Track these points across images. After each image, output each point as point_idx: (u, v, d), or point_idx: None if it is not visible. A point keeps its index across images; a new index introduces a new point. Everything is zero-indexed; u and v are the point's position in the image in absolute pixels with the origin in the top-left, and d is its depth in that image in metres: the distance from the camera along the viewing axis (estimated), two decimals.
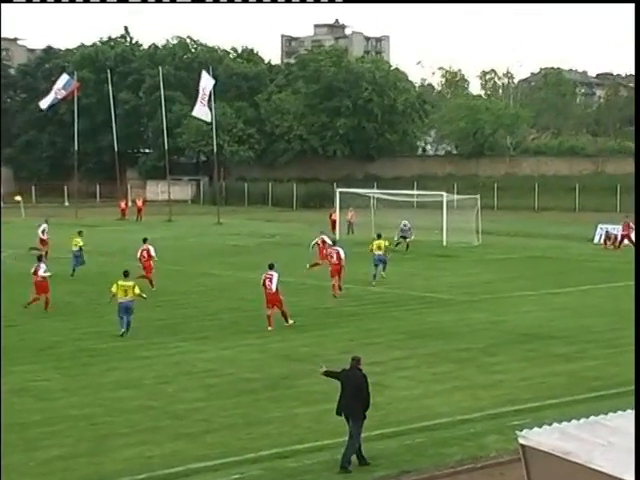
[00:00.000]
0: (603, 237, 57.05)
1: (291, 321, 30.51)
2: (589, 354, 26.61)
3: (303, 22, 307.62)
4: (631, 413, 12.45)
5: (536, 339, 28.66)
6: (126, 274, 29.74)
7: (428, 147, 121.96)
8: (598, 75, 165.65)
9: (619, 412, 12.55)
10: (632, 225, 57.27)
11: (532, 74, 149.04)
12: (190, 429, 19.43)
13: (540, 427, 12.01)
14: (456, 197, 61.31)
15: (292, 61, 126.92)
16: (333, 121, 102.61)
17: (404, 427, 19.15)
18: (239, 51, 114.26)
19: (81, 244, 43.12)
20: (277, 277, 30.16)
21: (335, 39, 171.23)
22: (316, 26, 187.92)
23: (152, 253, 38.89)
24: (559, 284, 40.48)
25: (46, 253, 44.36)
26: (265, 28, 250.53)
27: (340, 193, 63.83)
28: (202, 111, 76.25)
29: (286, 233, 63.98)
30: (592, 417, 12.31)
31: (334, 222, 62.05)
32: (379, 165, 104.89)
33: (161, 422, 19.94)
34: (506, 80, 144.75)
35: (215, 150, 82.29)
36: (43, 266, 33.64)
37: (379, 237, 41.99)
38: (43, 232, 49.74)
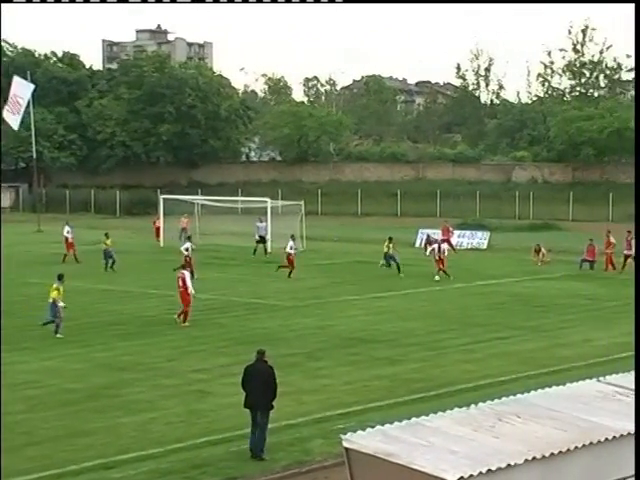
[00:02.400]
0: (424, 241, 58.24)
1: (187, 324, 31.42)
2: (411, 357, 27.14)
3: (125, 27, 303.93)
4: (450, 414, 12.77)
5: (360, 343, 29.06)
6: (60, 277, 31.47)
7: (252, 154, 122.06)
8: (417, 83, 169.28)
9: (439, 413, 12.85)
10: (452, 229, 58.87)
11: (354, 81, 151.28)
12: (10, 442, 18.87)
13: (364, 430, 12.19)
14: (280, 203, 61.60)
15: (114, 66, 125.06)
16: (156, 127, 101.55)
17: (229, 434, 19.12)
18: (59, 55, 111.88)
19: (107, 243, 47.09)
20: (189, 276, 32.25)
21: (158, 44, 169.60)
22: (138, 31, 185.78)
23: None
24: (383, 288, 41.14)
25: None
26: (86, 32, 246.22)
27: (164, 200, 63.35)
28: (11, 118, 74.26)
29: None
30: (414, 418, 12.56)
31: (158, 229, 61.50)
32: (203, 171, 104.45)
33: None
34: (328, 87, 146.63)
35: (35, 156, 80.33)
36: None
37: (390, 240, 47.12)
38: None
